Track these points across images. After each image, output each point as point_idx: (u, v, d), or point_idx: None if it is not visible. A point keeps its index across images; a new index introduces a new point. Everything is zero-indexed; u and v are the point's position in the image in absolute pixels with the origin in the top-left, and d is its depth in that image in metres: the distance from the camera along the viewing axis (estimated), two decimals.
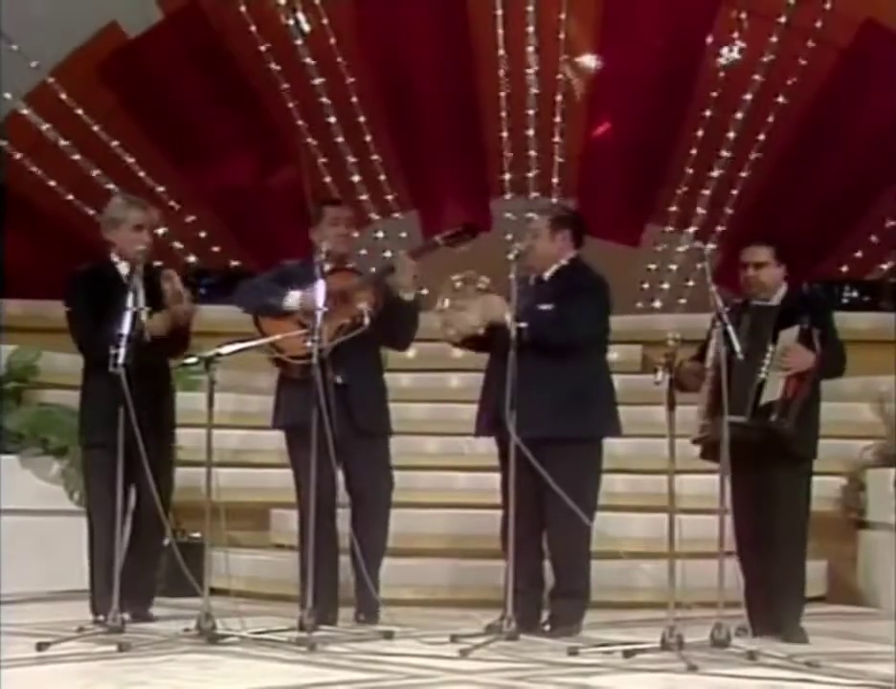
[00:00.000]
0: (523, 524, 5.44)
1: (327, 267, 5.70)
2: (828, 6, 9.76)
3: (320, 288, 5.46)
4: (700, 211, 10.26)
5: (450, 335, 5.67)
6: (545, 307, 5.53)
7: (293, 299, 5.74)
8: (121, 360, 5.29)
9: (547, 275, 5.71)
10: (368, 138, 10.28)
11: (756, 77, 9.94)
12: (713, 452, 5.36)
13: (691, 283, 9.79)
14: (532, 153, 10.28)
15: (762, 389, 5.41)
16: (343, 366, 5.69)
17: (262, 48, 10.04)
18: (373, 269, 6.10)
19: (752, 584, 5.53)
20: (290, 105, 10.13)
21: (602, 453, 5.70)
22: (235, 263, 10.28)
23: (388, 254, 10.16)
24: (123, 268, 5.76)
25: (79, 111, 9.87)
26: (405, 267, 5.74)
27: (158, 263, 6.10)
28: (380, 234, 10.44)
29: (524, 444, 5.30)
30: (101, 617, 5.54)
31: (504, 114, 10.22)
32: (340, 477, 5.74)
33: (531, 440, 5.35)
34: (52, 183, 9.90)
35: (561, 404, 5.53)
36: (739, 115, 10.03)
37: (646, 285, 10.33)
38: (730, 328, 5.32)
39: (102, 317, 5.58)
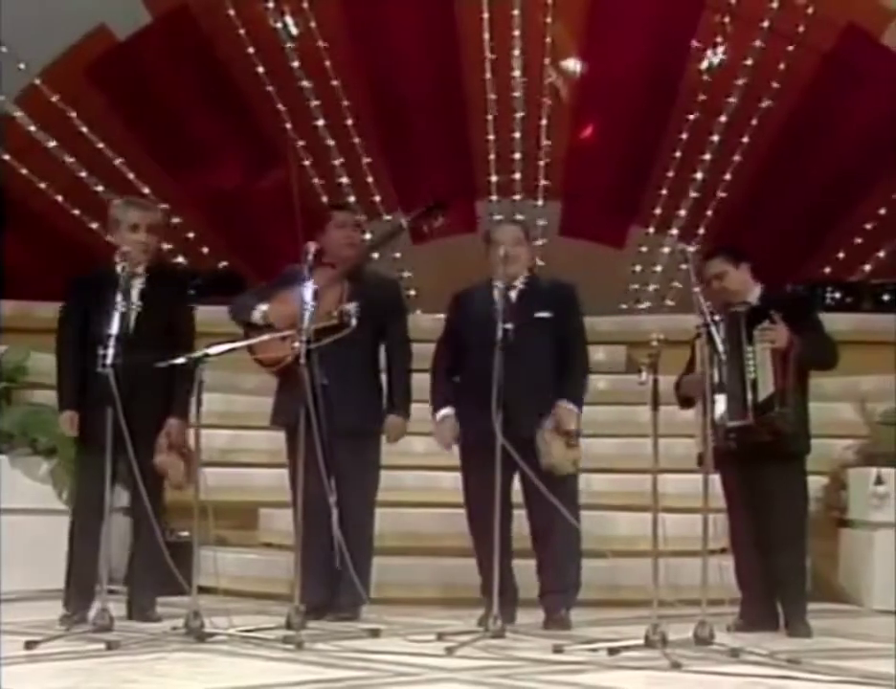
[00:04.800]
0: (508, 524, 5.56)
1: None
2: (810, 10, 9.85)
3: (307, 293, 5.50)
4: (683, 212, 10.33)
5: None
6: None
7: (258, 313, 5.87)
8: (109, 360, 5.33)
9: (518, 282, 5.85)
10: (355, 140, 10.32)
11: (739, 80, 10.02)
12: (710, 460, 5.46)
13: (676, 284, 9.85)
14: (518, 155, 10.34)
15: (756, 388, 5.51)
16: (327, 367, 5.76)
17: (251, 50, 10.08)
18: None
19: (752, 580, 5.63)
20: (278, 107, 10.17)
21: None
22: (223, 264, 10.31)
23: (375, 255, 10.24)
24: (121, 270, 5.72)
25: (69, 113, 9.91)
26: (393, 430, 5.94)
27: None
28: (368, 236, 10.48)
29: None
30: (69, 613, 5.61)
31: (490, 117, 10.27)
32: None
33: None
34: (41, 185, 9.92)
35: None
36: (723, 118, 10.11)
37: (631, 286, 10.39)
38: (714, 329, 5.40)
39: (93, 316, 5.61)
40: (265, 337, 5.80)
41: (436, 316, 8.13)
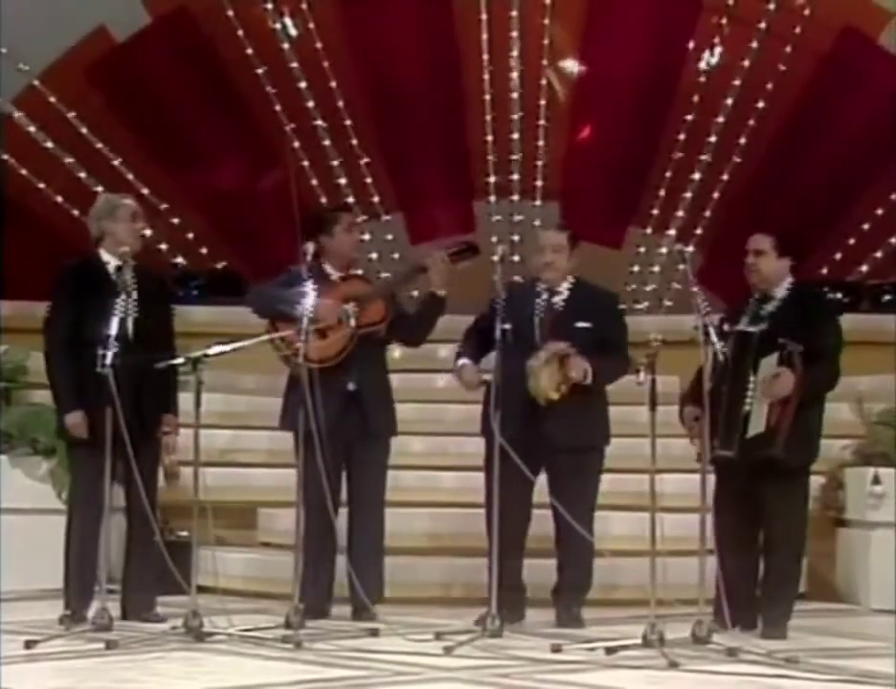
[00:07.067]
0: (511, 523, 5.56)
1: (336, 274, 5.81)
2: (807, 12, 9.88)
3: (310, 294, 5.52)
4: (681, 213, 10.35)
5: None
6: None
7: (307, 306, 5.70)
8: (108, 361, 5.33)
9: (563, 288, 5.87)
10: (354, 141, 10.34)
11: (737, 82, 10.04)
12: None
13: (674, 285, 9.87)
14: (516, 156, 10.35)
15: (748, 421, 5.48)
16: (355, 371, 5.78)
17: (250, 51, 10.10)
18: (385, 276, 6.15)
19: (736, 580, 5.64)
20: (277, 108, 10.19)
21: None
22: (222, 265, 10.32)
23: (373, 255, 10.29)
24: (113, 264, 5.70)
25: (68, 114, 9.92)
26: (440, 267, 5.81)
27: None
28: (366, 237, 10.51)
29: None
30: (69, 612, 5.61)
31: (488, 117, 10.29)
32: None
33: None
34: (41, 185, 9.94)
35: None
36: (720, 119, 10.13)
37: (629, 287, 10.40)
38: (712, 330, 5.41)
39: (85, 313, 5.60)
40: (264, 337, 5.81)
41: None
